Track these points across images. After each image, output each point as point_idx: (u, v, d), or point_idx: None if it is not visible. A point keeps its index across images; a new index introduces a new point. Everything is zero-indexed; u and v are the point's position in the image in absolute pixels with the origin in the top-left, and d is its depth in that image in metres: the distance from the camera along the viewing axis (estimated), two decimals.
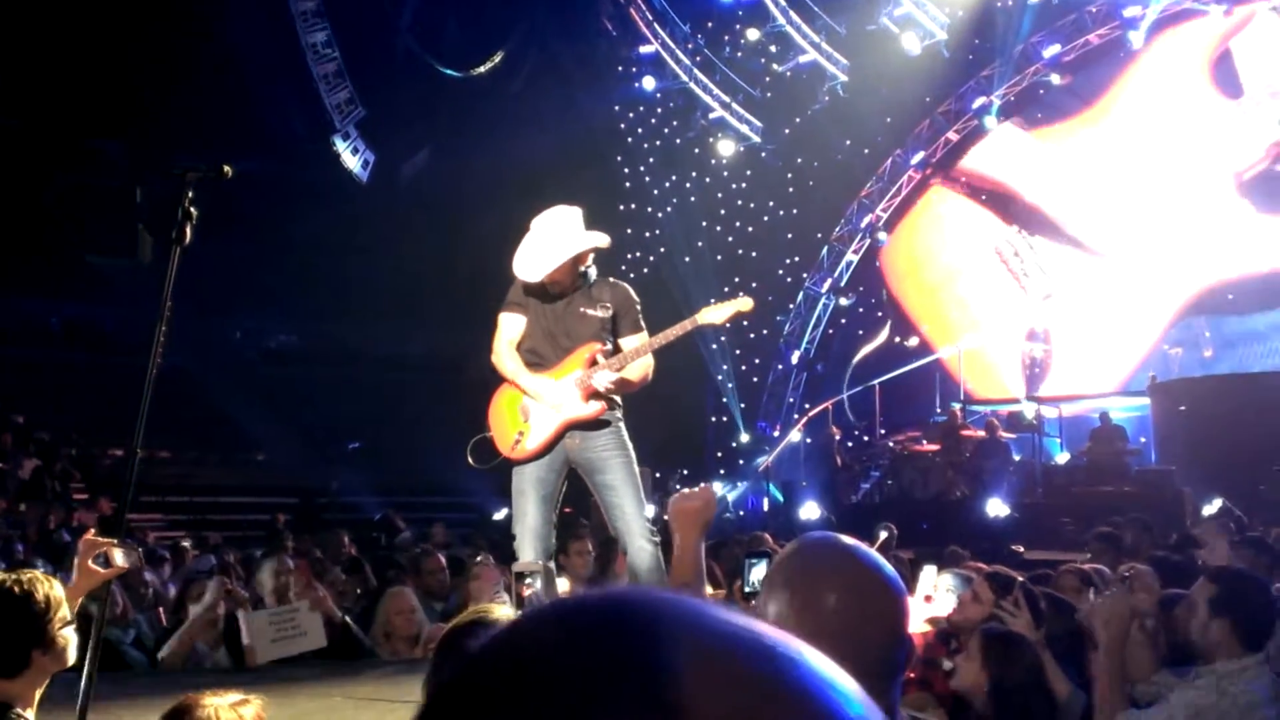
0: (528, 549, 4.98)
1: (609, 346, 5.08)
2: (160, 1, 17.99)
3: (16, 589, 2.97)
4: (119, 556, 3.47)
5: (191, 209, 4.62)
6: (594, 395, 5.01)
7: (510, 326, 5.19)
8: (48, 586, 3.02)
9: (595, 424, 5.05)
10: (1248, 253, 17.43)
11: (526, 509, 5.04)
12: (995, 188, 20.09)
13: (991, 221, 19.95)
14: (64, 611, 3.02)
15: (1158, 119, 18.50)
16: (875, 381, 17.61)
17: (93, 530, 3.61)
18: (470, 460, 5.28)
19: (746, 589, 2.46)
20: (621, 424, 5.14)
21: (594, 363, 5.02)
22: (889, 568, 1.73)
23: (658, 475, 18.74)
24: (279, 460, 18.34)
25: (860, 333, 20.95)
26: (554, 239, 5.00)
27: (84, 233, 18.10)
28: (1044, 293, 19.09)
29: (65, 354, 18.66)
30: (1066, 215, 19.23)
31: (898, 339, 20.07)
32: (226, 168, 4.64)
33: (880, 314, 20.88)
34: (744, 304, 5.23)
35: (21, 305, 19.11)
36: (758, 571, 2.43)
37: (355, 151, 20.10)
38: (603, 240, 5.14)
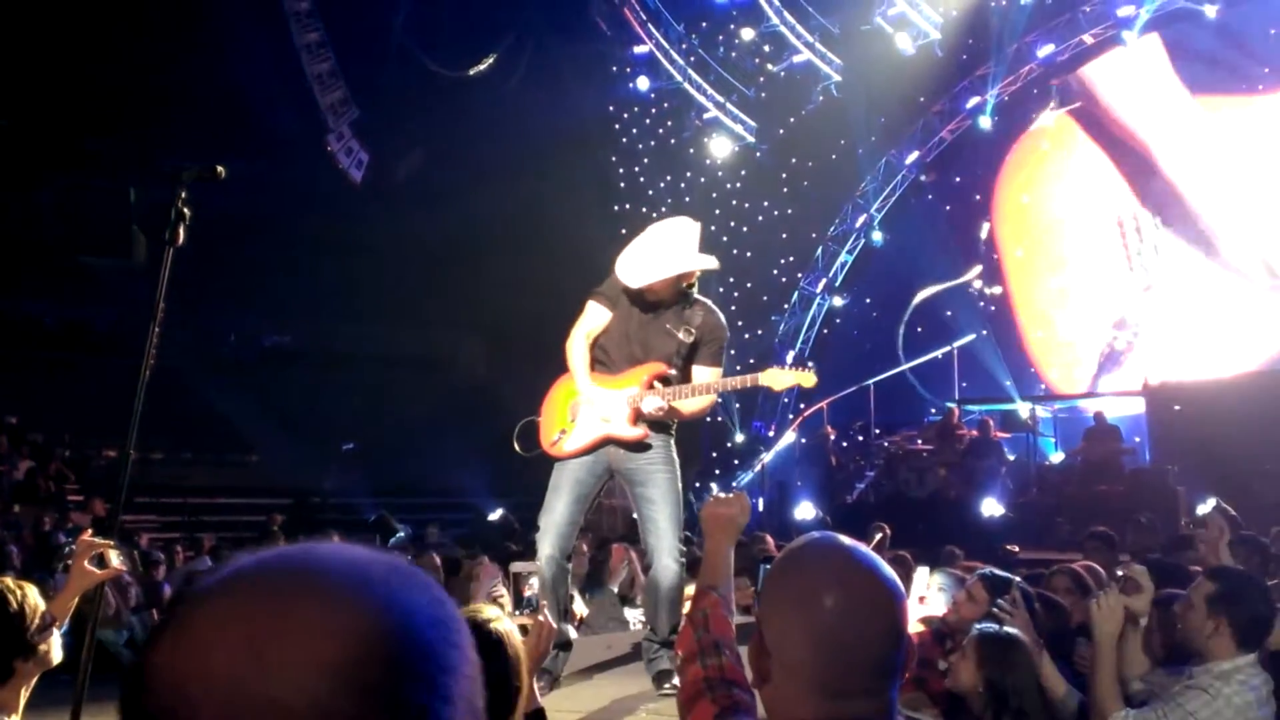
0: (547, 544, 4.97)
1: (675, 371, 4.99)
2: (154, 2, 17.96)
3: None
4: (115, 558, 3.44)
5: (185, 209, 4.63)
6: (640, 416, 4.94)
7: (593, 316, 5.11)
8: (19, 593, 2.99)
9: (639, 444, 5.00)
10: None
11: (556, 505, 5.02)
12: (1140, 151, 18.39)
13: (1124, 190, 18.58)
14: (40, 615, 2.99)
15: None
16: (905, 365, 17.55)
17: (89, 531, 3.65)
18: (515, 444, 5.28)
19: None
20: (671, 441, 5.09)
21: (652, 385, 4.95)
22: (886, 568, 1.73)
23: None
24: (273, 461, 18.33)
25: (855, 333, 20.97)
26: (666, 250, 4.90)
27: (78, 233, 18.08)
28: (1146, 283, 18.10)
29: (59, 355, 18.63)
30: (1208, 209, 17.69)
31: (979, 283, 19.50)
32: (220, 168, 4.64)
33: (875, 314, 20.90)
34: (806, 379, 5.08)
35: (15, 306, 19.08)
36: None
37: (349, 152, 20.12)
38: (712, 263, 5.05)
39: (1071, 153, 19.53)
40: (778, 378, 5.06)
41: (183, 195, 4.59)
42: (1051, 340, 19.25)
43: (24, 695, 2.98)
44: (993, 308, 19.52)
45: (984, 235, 20.01)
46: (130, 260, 17.14)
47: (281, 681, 0.74)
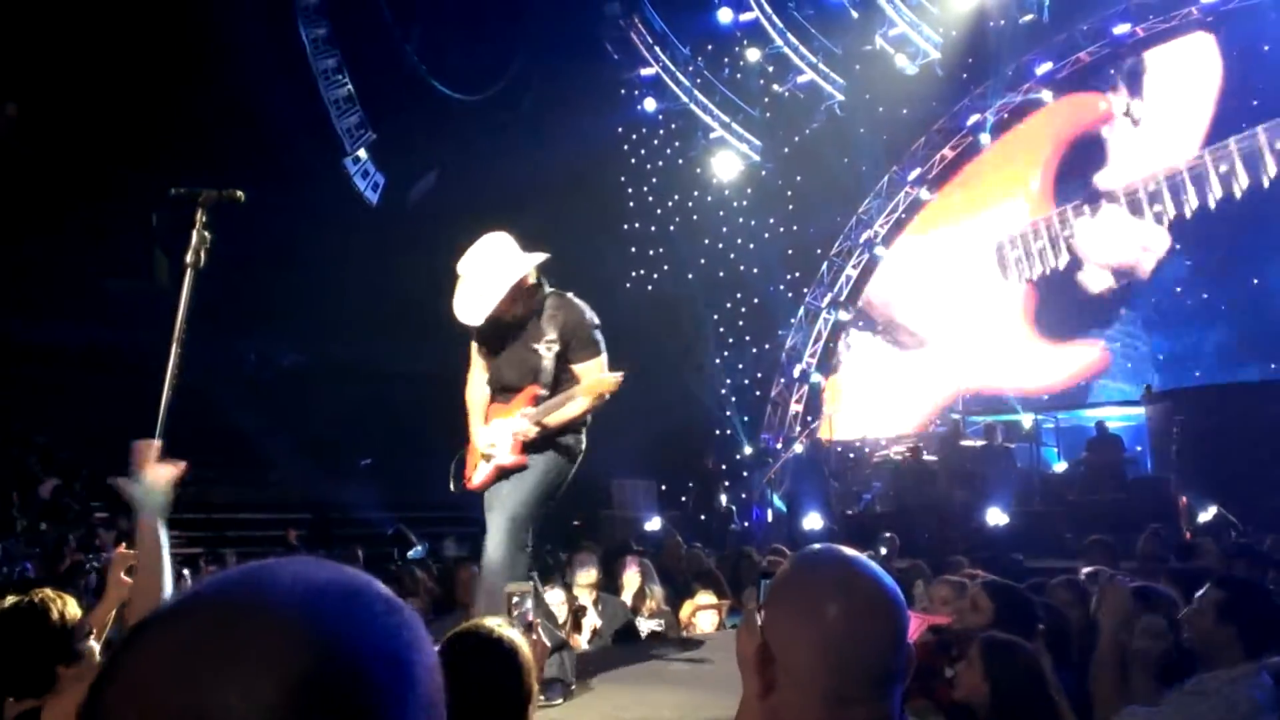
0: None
1: (545, 390, 4.97)
2: (175, 30, 18.33)
3: (31, 610, 3.06)
4: None
5: (206, 233, 4.91)
6: (528, 443, 4.94)
7: (476, 357, 5.18)
8: (61, 603, 3.11)
9: (531, 446, 4.98)
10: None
11: (488, 525, 5.05)
12: None
13: None
14: (80, 624, 3.09)
15: None
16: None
17: (124, 545, 3.62)
18: (450, 482, 5.26)
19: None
20: (565, 448, 5.07)
21: (531, 405, 4.96)
22: (888, 578, 1.76)
23: (663, 488, 19.07)
24: (292, 477, 18.61)
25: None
26: (485, 276, 4.87)
27: (101, 257, 18.42)
28: None
29: (84, 375, 18.91)
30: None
31: None
32: (239, 192, 4.85)
33: (879, 328, 21.25)
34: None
35: (40, 328, 19.37)
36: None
37: (365, 174, 20.49)
38: (537, 259, 5.00)
39: None
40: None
41: (203, 219, 4.89)
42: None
43: (76, 704, 3.11)
44: None
45: None
46: (152, 283, 17.47)
47: (220, 716, 0.73)
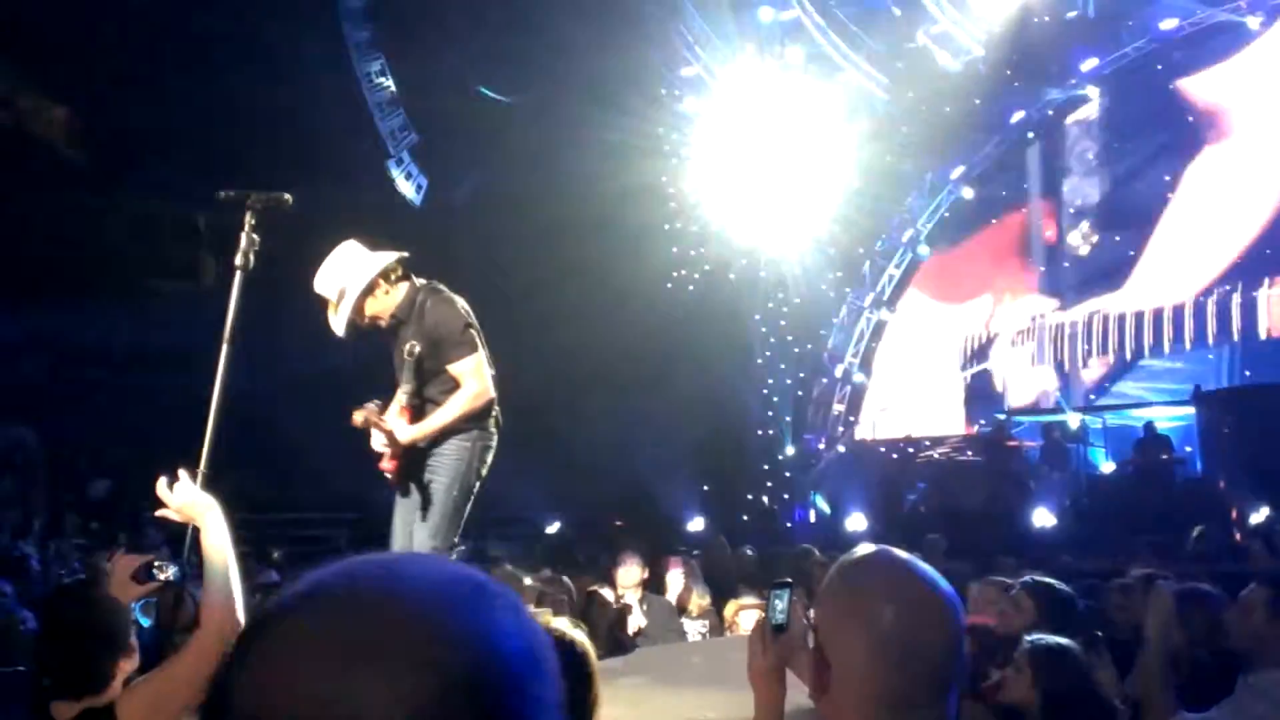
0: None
1: (410, 393, 4.93)
2: (221, 35, 18.56)
3: (96, 609, 3.10)
4: (170, 571, 3.47)
5: (255, 235, 4.96)
6: (404, 449, 4.92)
7: None
8: (112, 600, 3.16)
9: (426, 451, 4.97)
10: None
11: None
12: None
13: None
14: (128, 615, 3.16)
15: None
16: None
17: (122, 550, 3.67)
18: None
19: (774, 623, 2.19)
20: (457, 449, 5.01)
21: (403, 410, 4.92)
22: (942, 580, 1.76)
23: (705, 489, 19.06)
24: (337, 477, 18.74)
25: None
26: (336, 289, 4.89)
27: (148, 258, 18.68)
28: None
29: (131, 376, 19.18)
30: None
31: None
32: (287, 195, 4.89)
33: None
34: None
35: (88, 329, 19.66)
36: (783, 603, 2.21)
37: (409, 176, 20.64)
38: (386, 259, 4.97)
39: None
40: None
41: (251, 221, 4.93)
42: None
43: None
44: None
45: None
46: (199, 284, 17.68)
47: (369, 710, 0.73)
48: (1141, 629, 4.50)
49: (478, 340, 5.03)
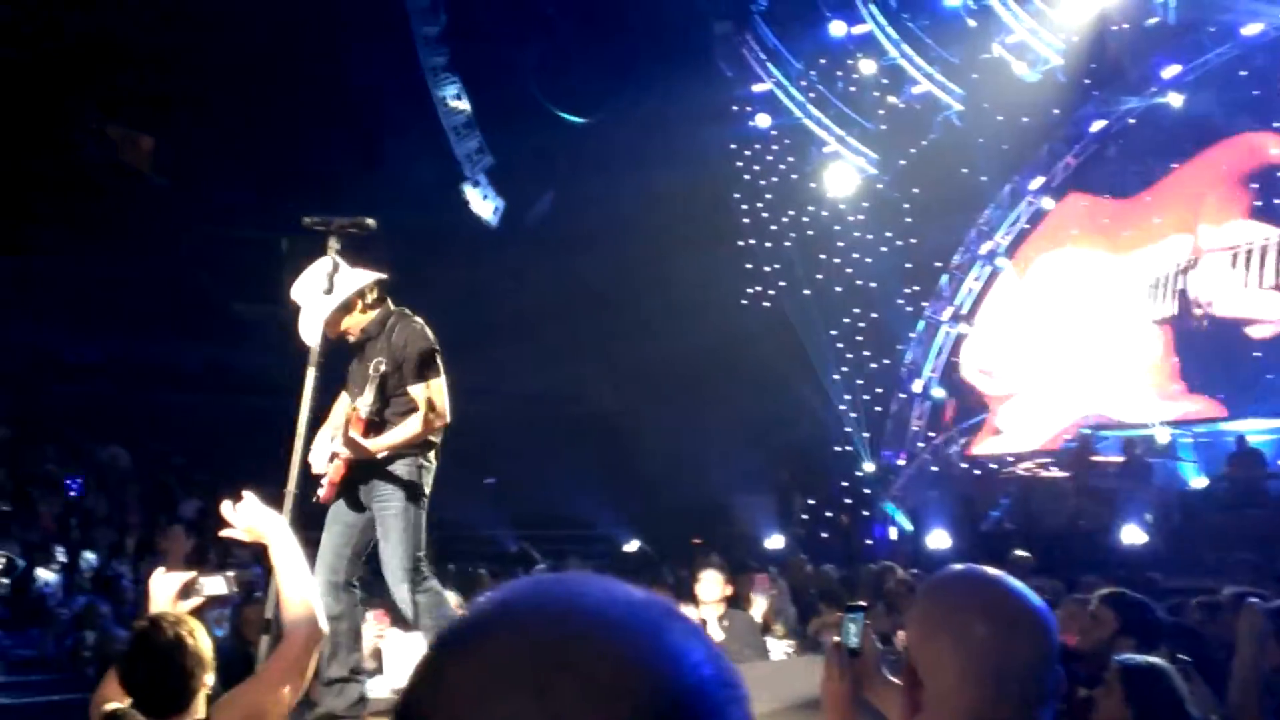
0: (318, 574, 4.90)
1: (371, 411, 4.97)
2: (297, 61, 19.00)
3: (183, 632, 3.10)
4: (216, 584, 3.53)
5: (336, 259, 5.05)
6: (352, 464, 4.96)
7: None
8: (188, 623, 3.15)
9: (372, 472, 5.03)
10: None
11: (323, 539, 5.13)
12: None
13: None
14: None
15: None
16: None
17: (162, 569, 3.66)
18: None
19: (848, 646, 2.20)
20: (408, 469, 5.05)
21: (357, 426, 4.98)
22: (1035, 597, 1.76)
23: (784, 505, 18.97)
24: None
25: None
26: (314, 299, 4.94)
27: (231, 282, 19.14)
28: None
29: (215, 397, 19.64)
30: None
31: None
32: (369, 220, 4.99)
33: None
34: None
35: (172, 351, 20.17)
36: (857, 627, 2.22)
37: (485, 198, 20.93)
38: (367, 278, 5.08)
39: None
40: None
41: (335, 246, 5.01)
42: None
43: None
44: None
45: None
46: (281, 307, 18.03)
47: None
48: (1235, 648, 4.43)
49: (440, 366, 5.12)
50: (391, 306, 5.16)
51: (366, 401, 4.96)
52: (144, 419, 18.08)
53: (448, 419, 5.12)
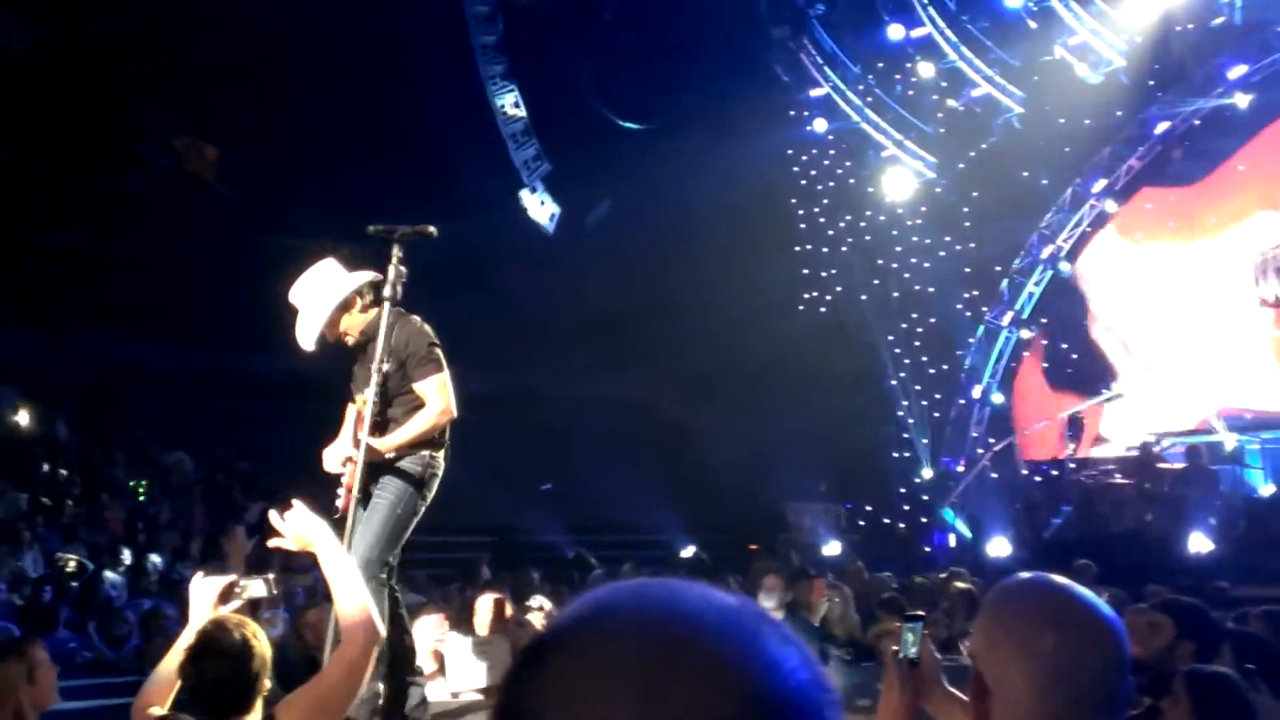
0: None
1: (372, 409, 4.97)
2: (360, 72, 19.26)
3: (248, 634, 3.16)
4: (257, 587, 3.58)
5: (402, 267, 5.10)
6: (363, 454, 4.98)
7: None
8: (249, 626, 3.22)
9: (382, 469, 5.04)
10: None
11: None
12: None
13: None
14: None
15: None
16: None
17: (201, 573, 3.74)
18: None
19: (907, 657, 2.21)
20: (407, 474, 5.09)
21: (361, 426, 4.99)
22: (1105, 605, 1.76)
23: (843, 511, 18.88)
24: (477, 501, 19.12)
25: (1045, 365, 20.65)
26: (310, 303, 5.06)
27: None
28: None
29: (276, 403, 19.92)
30: None
31: None
32: (431, 228, 5.05)
33: (1065, 345, 20.52)
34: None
35: (232, 358, 20.49)
36: (915, 637, 2.23)
37: (542, 205, 21.08)
38: (362, 279, 5.11)
39: None
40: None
41: (399, 254, 5.07)
42: None
43: None
44: None
45: None
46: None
47: None
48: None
49: (443, 360, 5.14)
50: (389, 307, 5.12)
51: (372, 402, 4.99)
52: (211, 425, 18.42)
53: (454, 413, 5.15)
